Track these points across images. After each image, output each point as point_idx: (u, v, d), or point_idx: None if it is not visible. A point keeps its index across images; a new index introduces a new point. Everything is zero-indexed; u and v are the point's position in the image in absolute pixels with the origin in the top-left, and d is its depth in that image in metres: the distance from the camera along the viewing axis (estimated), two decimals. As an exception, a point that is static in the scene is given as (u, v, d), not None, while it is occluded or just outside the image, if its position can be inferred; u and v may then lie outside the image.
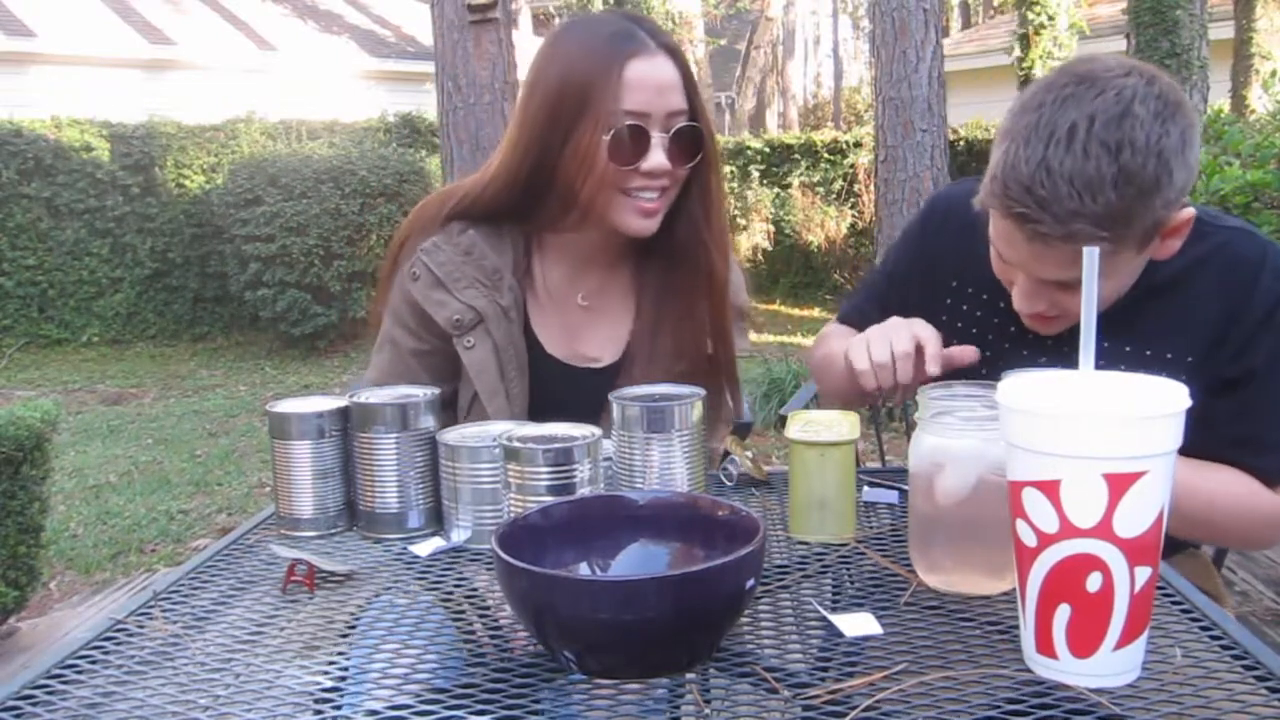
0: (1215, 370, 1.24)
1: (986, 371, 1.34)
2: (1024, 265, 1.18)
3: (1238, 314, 1.23)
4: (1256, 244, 1.26)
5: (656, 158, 1.36)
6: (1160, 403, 0.77)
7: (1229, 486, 1.23)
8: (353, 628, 0.97)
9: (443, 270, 1.44)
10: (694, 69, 1.44)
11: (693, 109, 1.39)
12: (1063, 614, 0.79)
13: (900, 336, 1.23)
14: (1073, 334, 1.31)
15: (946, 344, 1.34)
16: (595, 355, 1.51)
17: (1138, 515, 0.76)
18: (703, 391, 1.20)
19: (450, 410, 1.50)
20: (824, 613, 0.94)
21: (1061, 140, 1.07)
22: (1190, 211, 1.15)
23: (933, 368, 1.22)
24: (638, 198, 1.38)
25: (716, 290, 1.48)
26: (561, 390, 1.48)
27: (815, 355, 1.58)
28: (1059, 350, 1.31)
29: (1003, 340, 1.37)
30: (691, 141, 1.39)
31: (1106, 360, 1.25)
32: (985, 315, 1.39)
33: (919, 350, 1.22)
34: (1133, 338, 1.26)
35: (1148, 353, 1.27)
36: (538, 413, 1.45)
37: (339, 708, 0.82)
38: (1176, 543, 1.47)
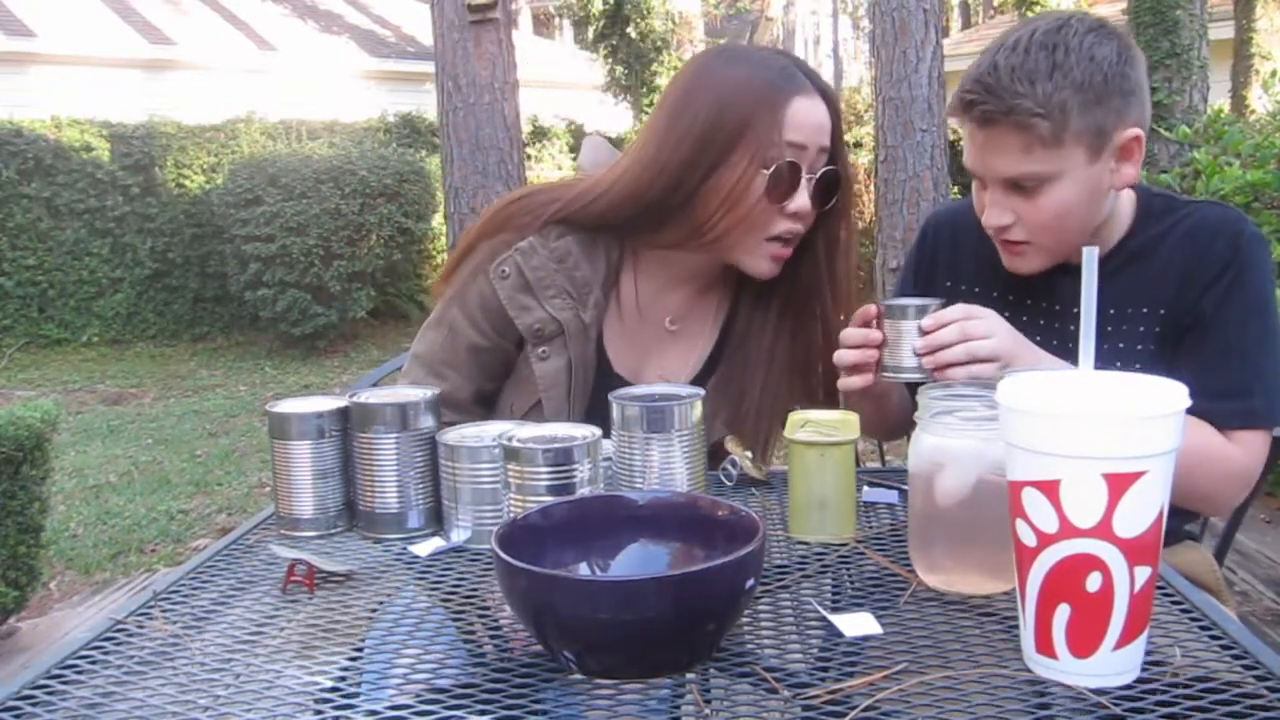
0: (1176, 321, 1.35)
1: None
2: (983, 163, 1.30)
3: (1194, 271, 1.33)
4: (1224, 213, 1.38)
5: (802, 199, 1.35)
6: (1160, 403, 0.77)
7: (1192, 437, 1.26)
8: (352, 629, 0.97)
9: (534, 275, 1.40)
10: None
11: (834, 154, 1.38)
12: (1062, 614, 0.79)
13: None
14: (1067, 322, 1.37)
15: None
16: (671, 379, 1.47)
17: (1137, 515, 0.76)
18: (702, 391, 1.20)
19: (483, 408, 1.47)
20: (824, 613, 0.94)
21: (1007, 47, 1.25)
22: (1138, 132, 1.27)
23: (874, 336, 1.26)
24: (773, 241, 1.37)
25: (828, 341, 1.42)
26: None
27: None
28: (1063, 343, 1.36)
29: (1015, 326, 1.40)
30: (830, 186, 1.39)
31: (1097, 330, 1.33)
32: (997, 311, 1.40)
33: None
34: (1114, 304, 1.35)
35: (1128, 310, 1.37)
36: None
37: (338, 708, 0.82)
38: (1176, 533, 1.49)
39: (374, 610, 1.00)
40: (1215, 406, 1.27)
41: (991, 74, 1.24)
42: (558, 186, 1.48)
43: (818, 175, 1.36)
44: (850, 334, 1.28)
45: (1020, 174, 1.27)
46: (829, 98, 1.38)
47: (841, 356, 1.28)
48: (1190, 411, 1.26)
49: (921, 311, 1.22)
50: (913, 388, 1.35)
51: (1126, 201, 1.39)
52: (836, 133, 1.39)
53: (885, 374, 1.26)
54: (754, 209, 1.34)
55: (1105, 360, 1.33)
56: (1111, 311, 1.36)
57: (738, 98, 1.33)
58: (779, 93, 1.33)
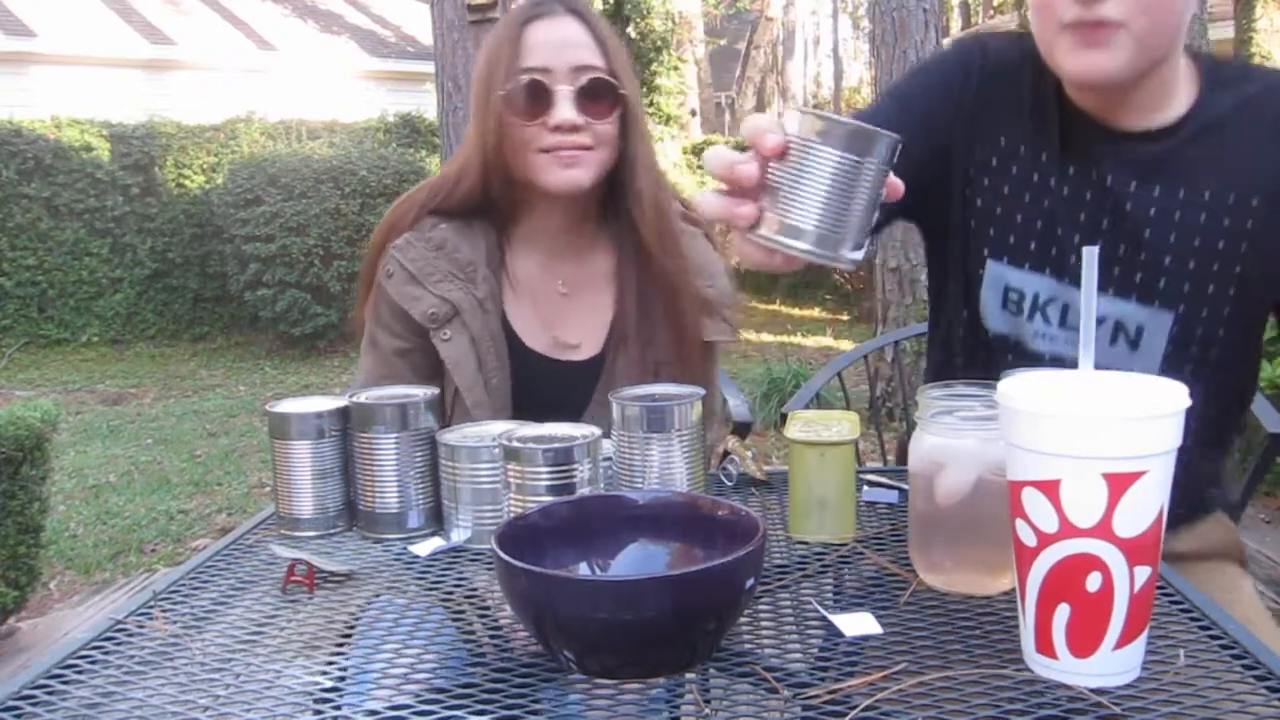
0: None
1: (1043, 245, 1.28)
2: None
3: None
4: None
5: (563, 110, 1.38)
6: (1160, 402, 0.77)
7: None
8: (352, 628, 0.97)
9: (415, 266, 1.45)
10: (613, 39, 1.45)
11: (610, 69, 1.41)
12: (1062, 614, 0.79)
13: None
14: (1108, 197, 1.21)
15: (992, 216, 1.30)
16: (575, 343, 1.50)
17: (1137, 515, 0.76)
18: (702, 391, 1.20)
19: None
20: (824, 613, 0.94)
21: None
22: None
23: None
24: (545, 153, 1.39)
25: (649, 257, 1.46)
26: (545, 385, 1.48)
27: None
28: (1117, 225, 1.25)
29: (1058, 205, 1.28)
30: (606, 97, 1.41)
31: (1161, 207, 1.22)
32: (1039, 180, 1.29)
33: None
34: (1187, 183, 1.22)
35: (1206, 195, 1.22)
36: (522, 409, 1.45)
37: (339, 708, 0.82)
38: (1199, 508, 1.39)
39: (367, 611, 1.00)
40: None
41: None
42: (426, 183, 1.54)
43: (578, 86, 1.39)
44: (716, 160, 0.83)
45: None
46: (584, 16, 1.43)
47: (705, 199, 0.85)
48: None
49: (859, 148, 0.77)
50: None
51: (1181, 62, 1.23)
52: (607, 49, 1.42)
53: (766, 235, 0.80)
54: (517, 133, 1.39)
55: (1177, 254, 1.23)
56: (1181, 194, 1.22)
57: (490, 44, 1.43)
58: (516, 24, 1.41)
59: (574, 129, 1.38)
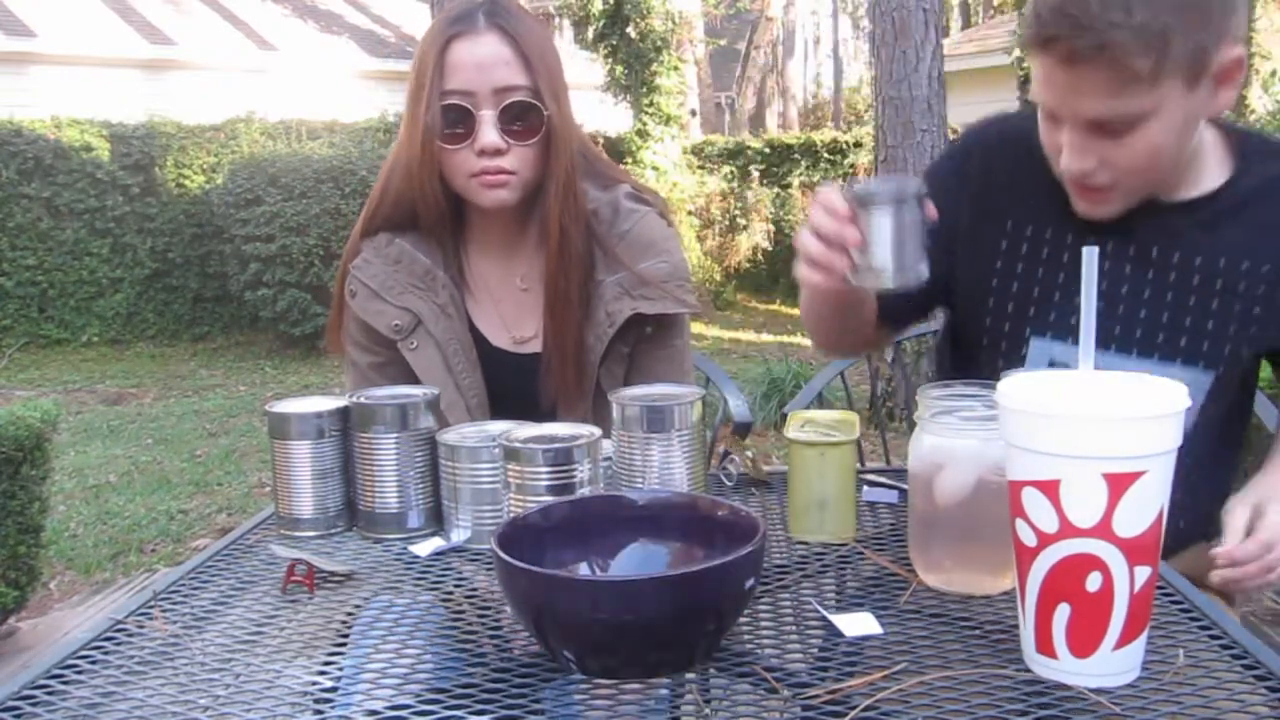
0: None
1: (1055, 318, 1.32)
2: (1065, 104, 1.14)
3: None
4: None
5: (487, 134, 1.36)
6: (1160, 403, 0.77)
7: None
8: (351, 629, 0.97)
9: (376, 282, 1.46)
10: (538, 47, 1.40)
11: (534, 88, 1.38)
12: (1062, 614, 0.79)
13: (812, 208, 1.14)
14: (1148, 267, 1.26)
15: (1007, 291, 1.34)
16: (530, 335, 1.52)
17: (1137, 515, 0.76)
18: (702, 391, 1.20)
19: None
20: (824, 613, 0.94)
21: None
22: (1240, 52, 1.12)
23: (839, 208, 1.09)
24: (476, 177, 1.39)
25: (552, 265, 1.44)
26: (511, 379, 1.50)
27: (801, 304, 1.46)
28: (1150, 290, 1.29)
29: (1072, 281, 1.28)
30: (531, 117, 1.39)
31: (1205, 275, 1.26)
32: (1051, 256, 1.33)
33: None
34: (1226, 253, 1.25)
35: (1244, 267, 1.25)
36: (500, 409, 1.46)
37: (337, 708, 0.82)
38: (1191, 536, 1.41)
39: (364, 611, 1.00)
40: None
41: (1076, 2, 1.06)
42: (368, 200, 1.55)
43: (498, 111, 1.37)
44: (823, 223, 1.08)
45: (1111, 115, 1.11)
46: (504, 29, 1.38)
47: (806, 246, 1.11)
48: None
49: (900, 200, 1.04)
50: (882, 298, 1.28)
51: (1208, 135, 1.26)
52: (533, 66, 1.38)
53: (859, 279, 1.08)
54: (445, 157, 1.39)
55: (1217, 320, 1.26)
56: (1221, 263, 1.25)
57: (416, 60, 1.41)
58: (439, 41, 1.38)
59: (497, 152, 1.38)
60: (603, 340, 1.45)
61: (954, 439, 0.97)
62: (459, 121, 1.37)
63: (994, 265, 1.37)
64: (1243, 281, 1.26)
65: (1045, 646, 0.81)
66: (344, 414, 1.22)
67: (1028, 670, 0.82)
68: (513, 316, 1.53)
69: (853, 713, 0.76)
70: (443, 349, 1.45)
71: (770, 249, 10.68)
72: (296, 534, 1.21)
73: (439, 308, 1.46)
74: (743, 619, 0.92)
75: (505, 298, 1.53)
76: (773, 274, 10.73)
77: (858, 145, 10.82)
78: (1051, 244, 1.34)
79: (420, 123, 1.38)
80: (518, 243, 1.51)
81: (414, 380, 1.47)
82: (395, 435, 1.18)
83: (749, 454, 1.35)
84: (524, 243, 1.51)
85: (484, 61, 1.37)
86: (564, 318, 1.45)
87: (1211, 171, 1.28)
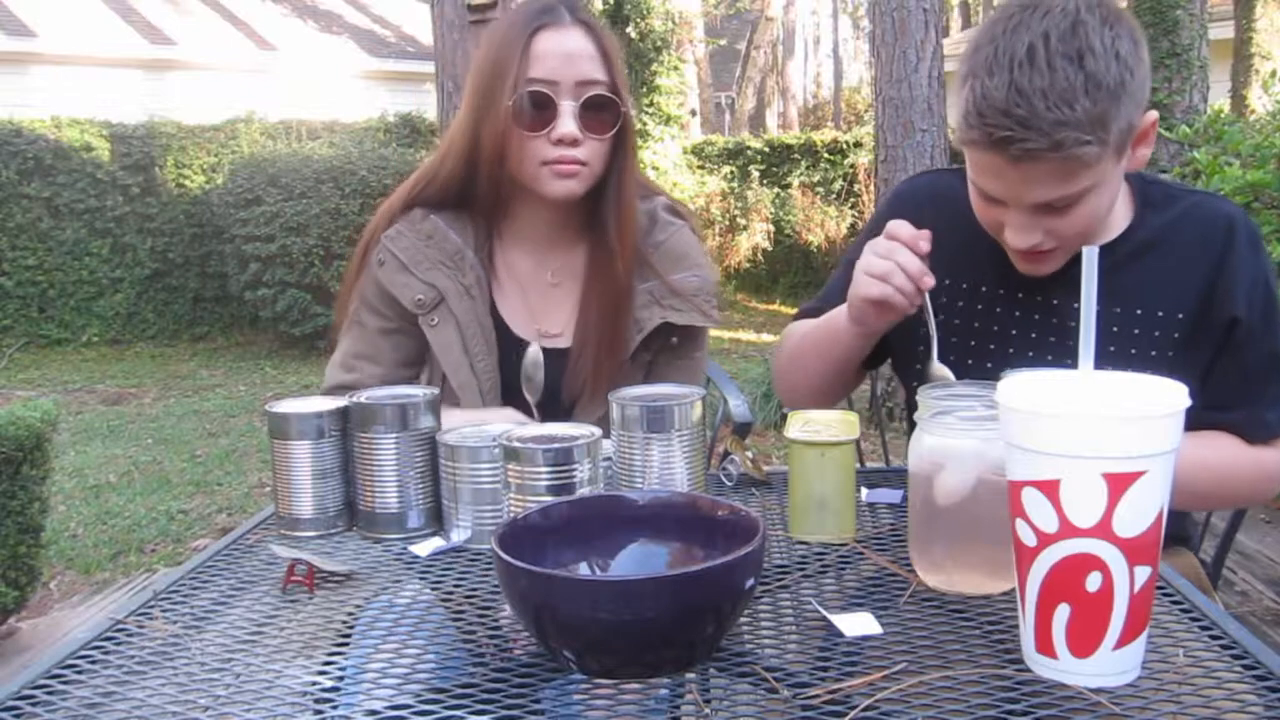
0: (1202, 323, 1.28)
1: (994, 366, 1.35)
2: (1014, 193, 1.19)
3: (1221, 269, 1.28)
4: (1225, 206, 1.33)
5: (566, 124, 1.39)
6: (1160, 402, 0.77)
7: (1218, 451, 1.28)
8: (351, 629, 0.97)
9: (406, 254, 1.48)
10: (616, 50, 1.46)
11: (613, 85, 1.42)
12: (1062, 614, 0.79)
13: (883, 245, 1.24)
14: (1065, 318, 1.32)
15: (946, 343, 1.36)
16: (557, 331, 1.53)
17: (1137, 515, 0.76)
18: (702, 391, 1.20)
19: None
20: (824, 613, 0.94)
21: (1024, 62, 1.11)
22: (1154, 115, 1.21)
23: (923, 244, 1.24)
24: (547, 165, 1.41)
25: (611, 268, 1.48)
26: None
27: (784, 352, 1.51)
28: (1062, 340, 1.33)
29: (1008, 329, 1.37)
30: (606, 113, 1.42)
31: (1100, 325, 1.28)
32: (986, 308, 1.39)
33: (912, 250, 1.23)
34: (1122, 300, 1.30)
35: (1138, 312, 1.30)
36: (512, 396, 1.48)
37: (337, 708, 0.82)
38: (1165, 539, 1.46)
39: (365, 611, 1.00)
40: (1242, 418, 1.27)
41: (1021, 102, 1.10)
42: (414, 173, 1.56)
43: (581, 101, 1.40)
44: (909, 262, 1.21)
45: (1058, 198, 1.17)
46: (591, 27, 1.44)
47: (875, 267, 1.23)
48: (1232, 418, 1.28)
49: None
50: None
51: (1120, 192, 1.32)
52: (610, 63, 1.43)
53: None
54: (522, 143, 1.40)
55: (1115, 364, 1.29)
56: (1118, 310, 1.30)
57: (496, 43, 1.43)
58: (526, 29, 1.41)
59: (574, 143, 1.40)
60: (630, 345, 1.48)
61: (954, 439, 0.97)
62: (540, 109, 1.39)
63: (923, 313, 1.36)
64: (1136, 327, 1.30)
65: (1045, 646, 0.81)
66: (344, 414, 1.22)
67: (1028, 670, 0.82)
68: (540, 309, 1.54)
69: (853, 713, 0.76)
70: (462, 329, 1.47)
71: (770, 249, 10.69)
72: (296, 534, 1.21)
73: (464, 288, 1.48)
74: (743, 619, 0.92)
75: (534, 290, 1.54)
76: (773, 274, 10.74)
77: (858, 145, 10.83)
78: (971, 295, 1.39)
79: (496, 107, 1.40)
80: (556, 238, 1.53)
81: (419, 352, 1.50)
82: (395, 435, 1.18)
83: (749, 454, 1.35)
84: (562, 238, 1.54)
85: (571, 53, 1.41)
86: (615, 315, 1.48)
87: (1116, 219, 1.33)
